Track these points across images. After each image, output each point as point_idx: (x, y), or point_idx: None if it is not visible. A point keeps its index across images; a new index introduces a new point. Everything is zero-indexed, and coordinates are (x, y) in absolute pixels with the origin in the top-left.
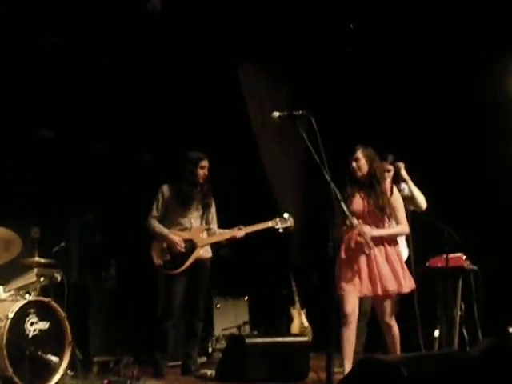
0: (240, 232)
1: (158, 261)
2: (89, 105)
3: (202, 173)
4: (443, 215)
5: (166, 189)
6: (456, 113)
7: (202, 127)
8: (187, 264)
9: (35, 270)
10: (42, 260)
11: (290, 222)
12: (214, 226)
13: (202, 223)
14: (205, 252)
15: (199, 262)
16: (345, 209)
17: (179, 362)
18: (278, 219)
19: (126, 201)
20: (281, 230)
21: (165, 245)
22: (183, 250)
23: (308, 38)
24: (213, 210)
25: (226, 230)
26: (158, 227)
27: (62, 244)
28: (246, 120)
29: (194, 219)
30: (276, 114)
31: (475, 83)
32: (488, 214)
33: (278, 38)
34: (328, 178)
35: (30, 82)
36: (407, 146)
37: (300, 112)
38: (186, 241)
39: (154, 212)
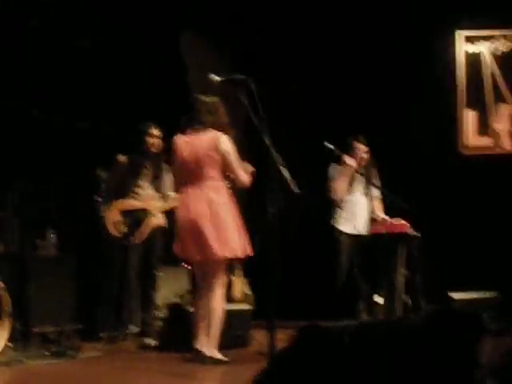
0: None
1: (114, 232)
2: (23, 71)
3: (152, 141)
4: (385, 181)
5: (120, 159)
6: (395, 82)
7: (141, 96)
8: (143, 233)
9: None
10: None
11: None
12: (170, 192)
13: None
14: (158, 220)
15: (153, 230)
16: (285, 174)
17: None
18: None
19: (64, 169)
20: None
21: (119, 217)
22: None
23: (249, 4)
24: (166, 178)
25: None
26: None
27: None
28: (187, 88)
29: (146, 189)
30: (216, 77)
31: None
32: (431, 180)
33: (219, 5)
34: (267, 143)
35: None
36: (350, 113)
37: (240, 77)
38: (139, 210)
39: (105, 188)
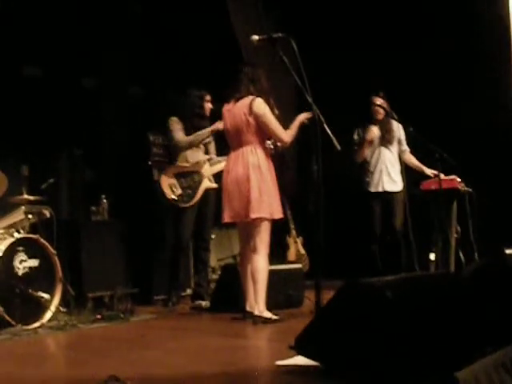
0: None
1: (170, 195)
2: (75, 39)
3: (208, 106)
4: (435, 138)
5: (177, 121)
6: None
7: (191, 59)
8: (198, 196)
9: (23, 208)
10: (30, 197)
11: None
12: (213, 156)
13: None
14: (211, 182)
15: (206, 192)
16: (328, 131)
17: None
18: (269, 141)
19: (115, 135)
20: (273, 152)
21: (173, 180)
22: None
23: None
24: (213, 143)
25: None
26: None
27: (51, 180)
28: (237, 50)
29: (198, 152)
30: (255, 37)
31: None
32: (481, 136)
33: None
34: (310, 100)
35: (15, 19)
36: (398, 72)
37: (279, 34)
38: (192, 172)
39: (180, 136)
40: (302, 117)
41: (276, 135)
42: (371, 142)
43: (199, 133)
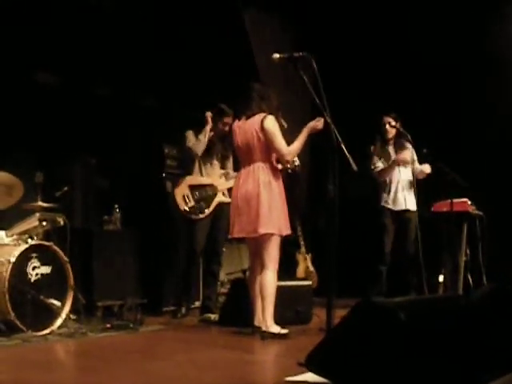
0: None
1: (183, 206)
2: (92, 49)
3: (222, 128)
4: (448, 160)
5: (193, 134)
6: (456, 59)
7: (207, 74)
8: (211, 209)
9: (37, 215)
10: (45, 204)
11: (297, 162)
12: (230, 171)
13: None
14: (225, 197)
15: (220, 206)
16: (345, 151)
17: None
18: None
19: (130, 145)
20: (290, 171)
21: (188, 191)
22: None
23: None
24: (230, 159)
25: None
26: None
27: (65, 188)
28: (253, 66)
29: (214, 166)
30: (276, 55)
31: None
32: (493, 160)
33: None
34: (328, 120)
35: (31, 25)
36: (409, 92)
37: (300, 53)
38: (206, 186)
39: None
40: (312, 126)
41: (278, 151)
42: (403, 163)
43: (202, 132)
